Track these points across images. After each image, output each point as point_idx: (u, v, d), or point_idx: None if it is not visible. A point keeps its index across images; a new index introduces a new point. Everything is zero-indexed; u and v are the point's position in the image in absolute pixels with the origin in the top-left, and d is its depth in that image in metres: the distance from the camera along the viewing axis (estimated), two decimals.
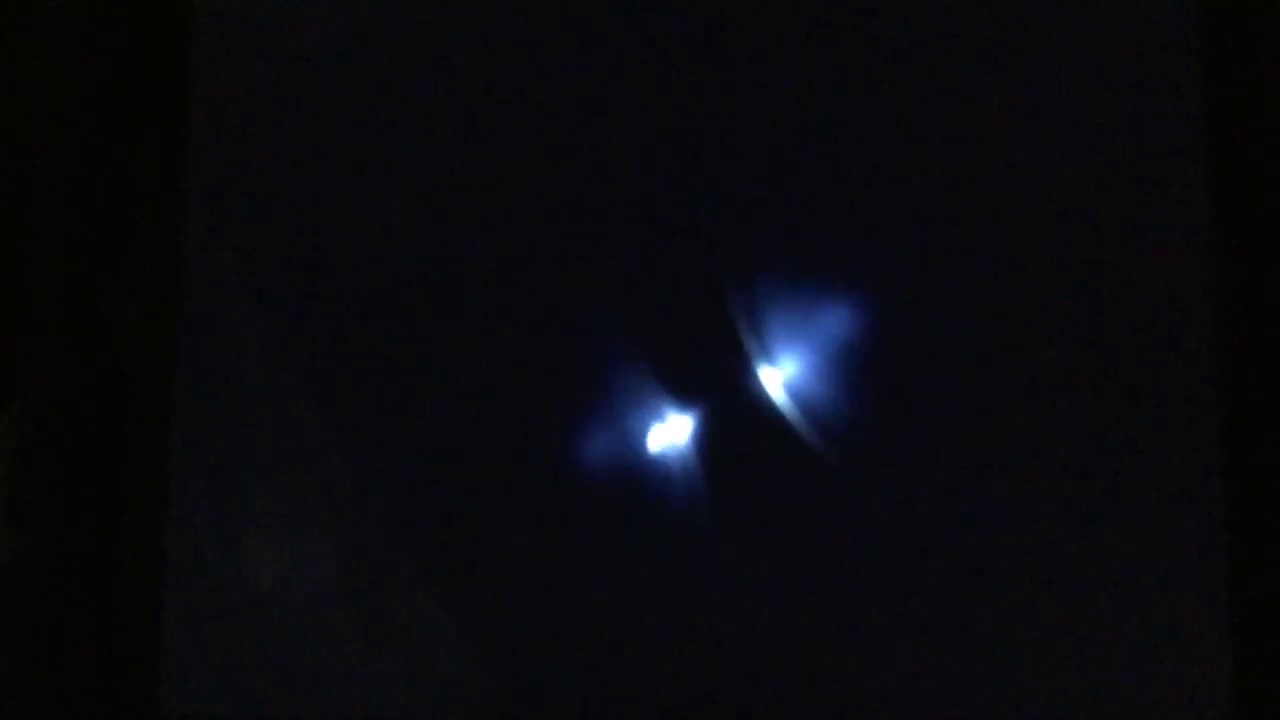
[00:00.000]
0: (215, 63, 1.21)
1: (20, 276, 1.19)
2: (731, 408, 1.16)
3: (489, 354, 1.18)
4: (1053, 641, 1.13)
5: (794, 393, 1.16)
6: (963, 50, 1.18)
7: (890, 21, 1.18)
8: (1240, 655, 1.11)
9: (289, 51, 1.21)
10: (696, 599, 1.14)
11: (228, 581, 1.17)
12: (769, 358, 1.16)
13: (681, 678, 1.14)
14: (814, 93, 1.18)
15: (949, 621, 1.13)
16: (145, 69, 1.22)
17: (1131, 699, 1.12)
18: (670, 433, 1.16)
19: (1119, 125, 1.17)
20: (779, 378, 1.16)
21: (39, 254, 1.19)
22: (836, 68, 1.18)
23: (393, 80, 1.20)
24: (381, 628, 1.16)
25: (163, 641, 1.16)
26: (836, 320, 1.17)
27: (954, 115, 1.17)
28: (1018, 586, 1.13)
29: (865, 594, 1.13)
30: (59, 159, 1.20)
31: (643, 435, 1.17)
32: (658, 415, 1.17)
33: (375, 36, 1.20)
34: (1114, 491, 1.14)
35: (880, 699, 1.13)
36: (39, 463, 1.18)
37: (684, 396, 1.17)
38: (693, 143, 1.19)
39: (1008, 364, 1.15)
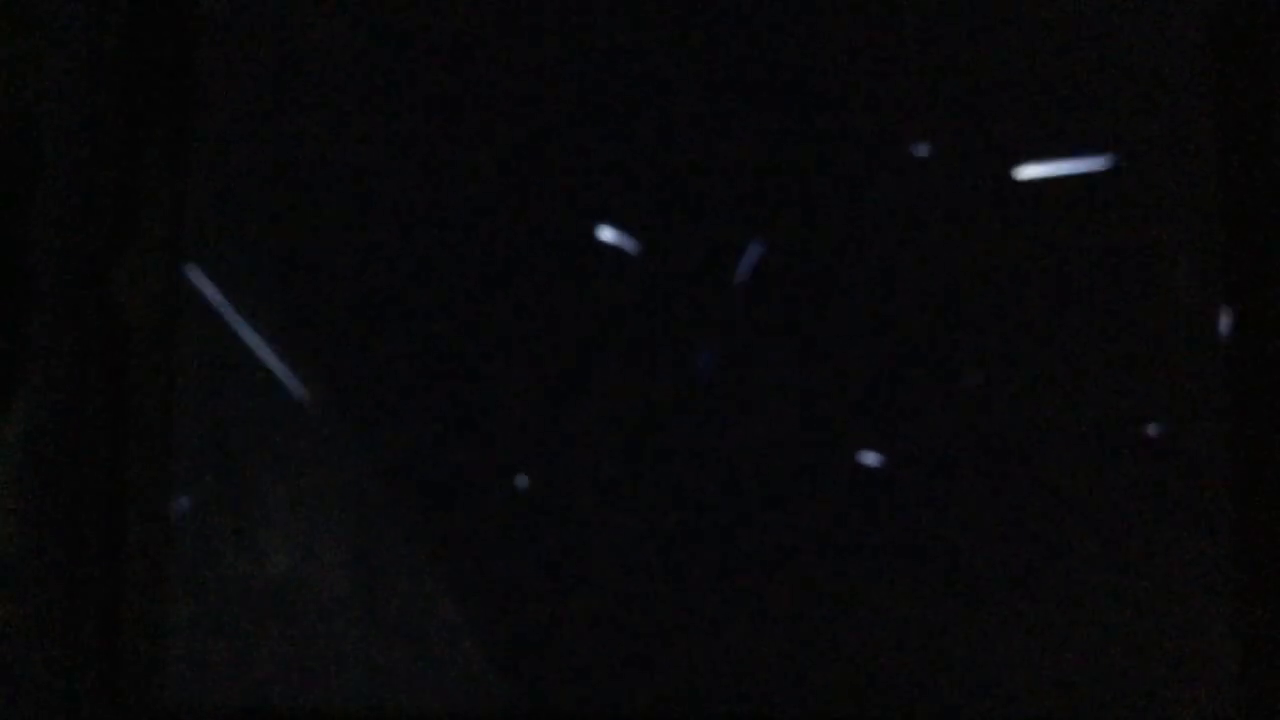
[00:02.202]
0: (220, 54, 1.21)
1: (26, 268, 1.19)
2: (738, 407, 1.16)
3: (494, 344, 1.18)
4: (1058, 642, 1.12)
5: (798, 397, 1.16)
6: (969, 50, 1.17)
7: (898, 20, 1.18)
8: (1247, 656, 1.11)
9: (292, 44, 1.21)
10: (702, 595, 1.14)
11: (233, 573, 1.17)
12: (775, 358, 1.16)
13: (686, 671, 1.13)
14: (818, 91, 1.18)
15: (955, 620, 1.12)
16: (151, 61, 1.21)
17: (1138, 699, 1.12)
18: (674, 429, 1.16)
19: (1129, 127, 1.16)
20: (786, 382, 1.16)
21: (44, 245, 1.19)
22: (843, 61, 1.18)
23: (394, 73, 1.20)
24: (387, 619, 1.16)
25: (168, 633, 1.16)
26: (837, 319, 1.16)
27: (961, 116, 1.17)
28: (1022, 586, 1.13)
29: (871, 594, 1.13)
30: (64, 151, 1.19)
31: (648, 425, 1.16)
32: (661, 408, 1.16)
33: (376, 31, 1.20)
34: (1120, 492, 1.13)
35: (885, 698, 1.12)
36: (45, 454, 1.17)
37: (688, 395, 1.16)
38: (693, 131, 1.18)
39: (1015, 364, 1.15)
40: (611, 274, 1.18)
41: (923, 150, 1.18)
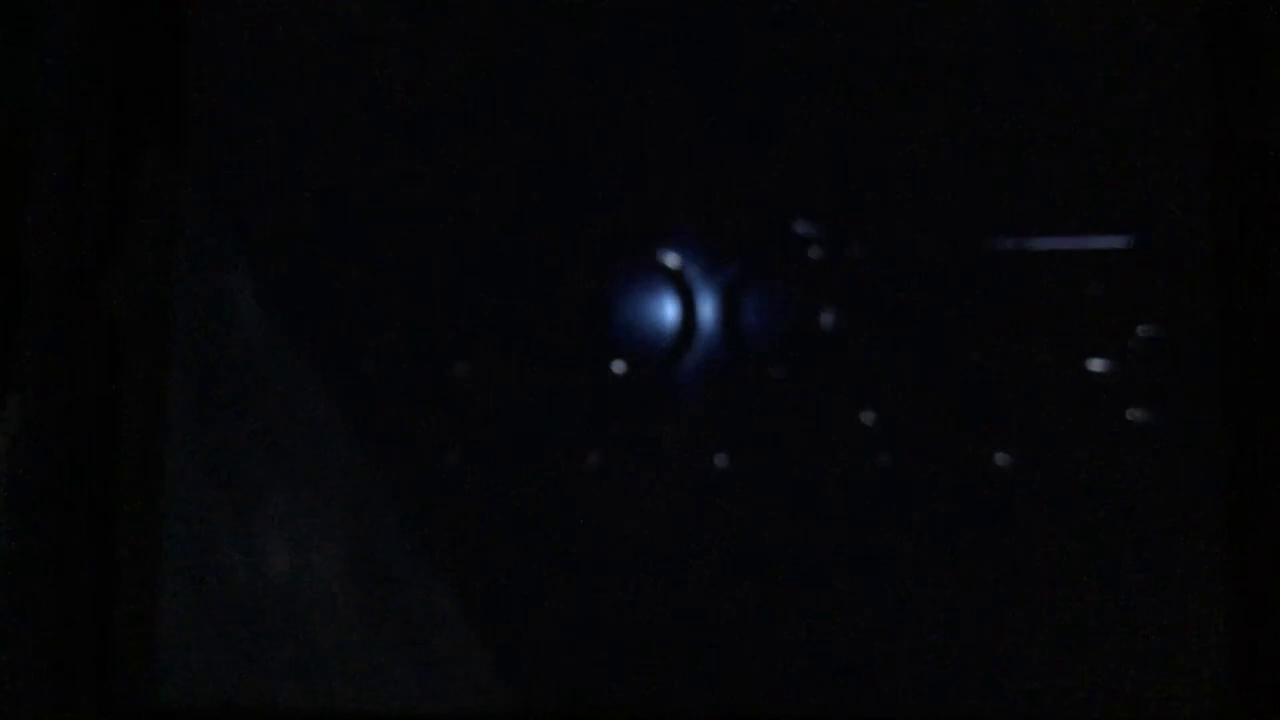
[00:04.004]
0: (212, 55, 1.20)
1: (18, 267, 1.16)
2: (739, 406, 1.14)
3: (495, 343, 1.16)
4: (1052, 638, 1.10)
5: (797, 401, 1.13)
6: (966, 48, 1.15)
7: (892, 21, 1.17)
8: (1238, 652, 1.09)
9: (284, 44, 1.19)
10: (703, 592, 1.12)
11: (225, 572, 1.14)
12: (771, 359, 1.14)
13: (686, 670, 1.12)
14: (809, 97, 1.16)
15: (949, 617, 1.11)
16: (143, 62, 1.19)
17: (1130, 694, 1.10)
18: (677, 425, 1.14)
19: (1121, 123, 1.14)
20: (784, 384, 1.14)
21: (36, 245, 1.16)
22: (833, 64, 1.16)
23: (386, 71, 1.18)
24: (381, 617, 1.14)
25: (160, 632, 1.14)
26: (838, 318, 1.14)
27: (953, 114, 1.15)
28: (1017, 582, 1.10)
29: (864, 589, 1.11)
30: (57, 151, 1.17)
31: (650, 421, 1.14)
32: (663, 405, 1.14)
33: (368, 29, 1.18)
34: (1114, 487, 1.11)
35: (878, 694, 1.11)
36: (36, 454, 1.14)
37: (690, 391, 1.14)
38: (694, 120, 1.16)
39: (1011, 364, 1.13)
40: (608, 277, 1.16)
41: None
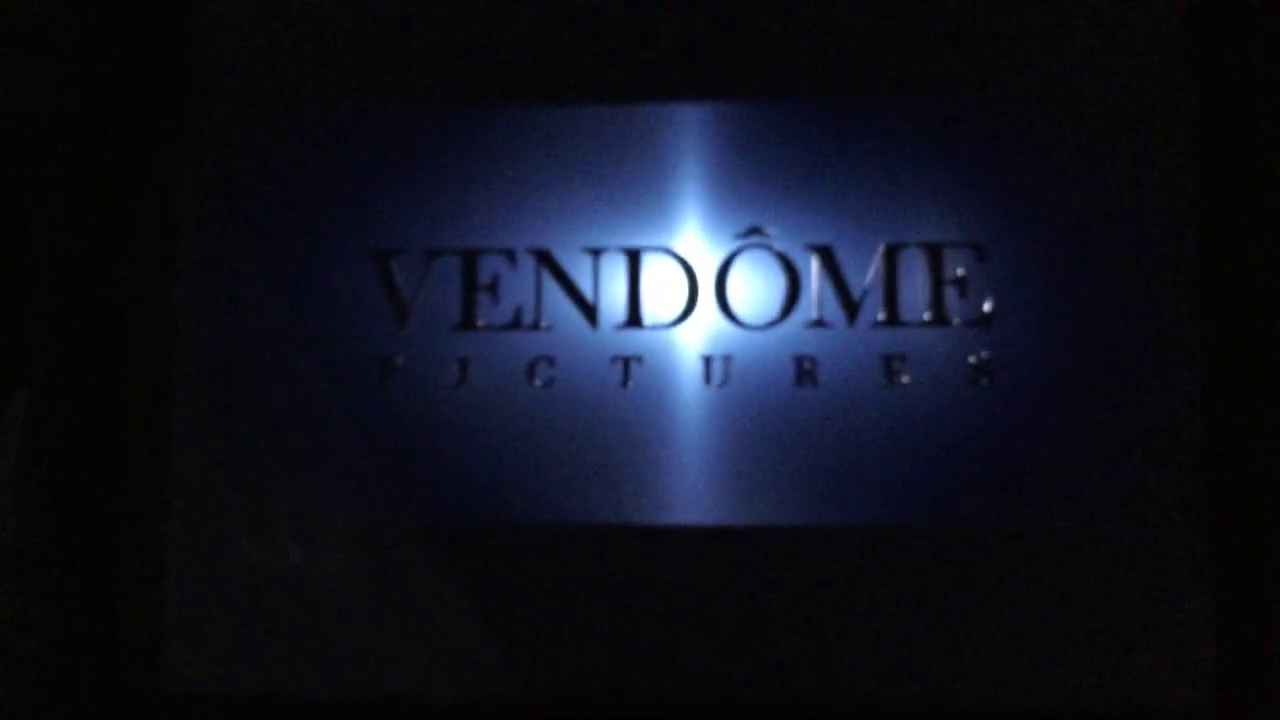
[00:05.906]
0: (215, 54, 1.19)
1: (26, 266, 1.15)
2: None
3: (494, 337, 1.18)
4: (1049, 634, 1.13)
5: (793, 400, 1.18)
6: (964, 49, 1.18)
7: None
8: (1231, 648, 1.11)
9: (285, 42, 1.20)
10: (703, 589, 1.15)
11: (231, 561, 1.14)
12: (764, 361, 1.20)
13: (687, 663, 1.14)
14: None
15: (943, 609, 1.13)
16: (146, 60, 1.19)
17: (1125, 688, 1.12)
18: (677, 421, 1.18)
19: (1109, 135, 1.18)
20: (779, 381, 1.19)
21: (44, 244, 1.15)
22: (845, 71, 1.20)
23: (386, 67, 1.20)
24: (385, 605, 1.13)
25: (167, 620, 1.13)
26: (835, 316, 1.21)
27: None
28: (1014, 580, 1.14)
29: (861, 584, 1.14)
30: (64, 153, 1.15)
31: (650, 422, 1.18)
32: (663, 400, 1.18)
33: (365, 27, 1.20)
34: (1103, 486, 1.14)
35: (877, 688, 1.13)
36: (45, 445, 1.12)
37: (691, 388, 1.19)
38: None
39: (1004, 361, 1.17)
40: (635, 262, 1.22)
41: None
